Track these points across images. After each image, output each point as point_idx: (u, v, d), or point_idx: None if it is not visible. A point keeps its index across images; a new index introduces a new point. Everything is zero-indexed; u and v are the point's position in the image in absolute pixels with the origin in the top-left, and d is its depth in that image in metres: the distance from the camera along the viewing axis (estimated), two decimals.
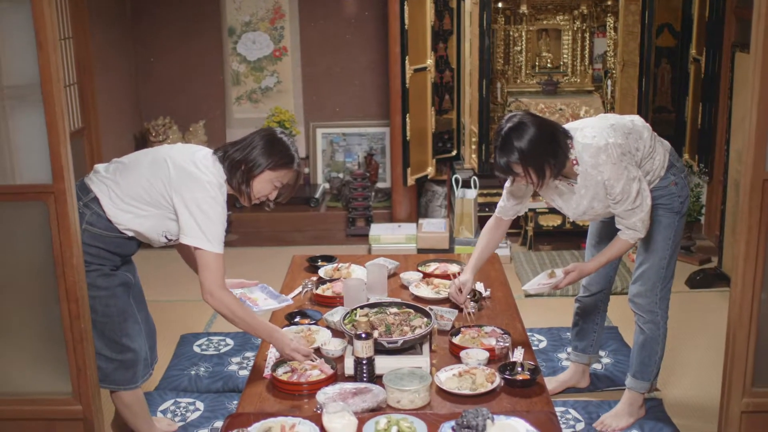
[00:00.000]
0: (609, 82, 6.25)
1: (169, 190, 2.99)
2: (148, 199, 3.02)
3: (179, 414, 3.79)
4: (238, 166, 3.06)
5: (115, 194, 3.03)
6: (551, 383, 3.88)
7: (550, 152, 3.13)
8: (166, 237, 3.12)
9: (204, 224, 2.95)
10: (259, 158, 3.06)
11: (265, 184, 3.10)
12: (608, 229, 3.59)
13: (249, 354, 4.37)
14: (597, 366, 4.13)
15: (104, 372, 3.15)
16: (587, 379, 3.96)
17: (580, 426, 3.59)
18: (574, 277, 3.42)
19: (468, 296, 3.50)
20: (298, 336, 3.10)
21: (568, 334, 4.52)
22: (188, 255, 3.52)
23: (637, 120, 3.42)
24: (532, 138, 3.09)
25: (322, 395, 2.75)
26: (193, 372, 4.20)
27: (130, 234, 3.07)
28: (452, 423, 2.50)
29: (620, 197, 3.21)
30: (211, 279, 2.97)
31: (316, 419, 2.59)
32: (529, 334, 3.43)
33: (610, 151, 3.18)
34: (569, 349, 4.01)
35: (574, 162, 3.22)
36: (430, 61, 6.09)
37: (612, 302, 4.18)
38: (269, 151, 3.07)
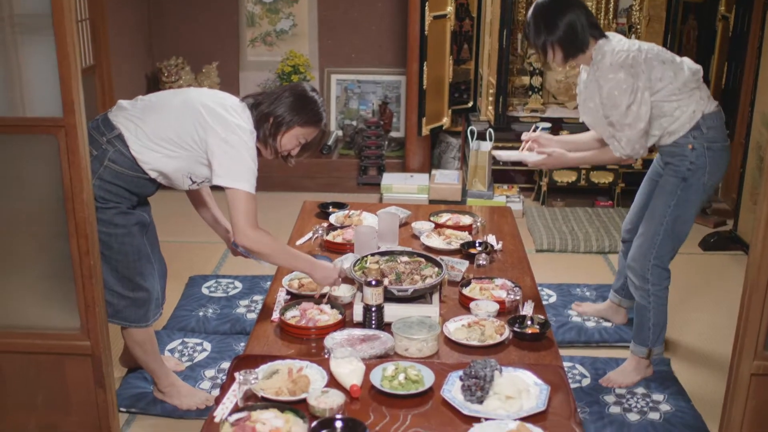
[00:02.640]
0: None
1: (201, 132, 2.96)
2: (178, 140, 2.99)
3: (186, 354, 3.80)
4: (266, 119, 3.04)
5: (143, 133, 3.00)
6: (584, 307, 3.95)
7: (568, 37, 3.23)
8: (191, 179, 3.10)
9: (237, 165, 2.94)
10: (289, 114, 3.04)
11: (291, 140, 3.09)
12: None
13: (257, 297, 4.36)
14: (607, 323, 4.11)
15: (116, 308, 3.15)
16: (623, 317, 3.95)
17: (587, 381, 3.58)
18: (551, 162, 3.49)
19: (480, 249, 3.49)
20: (339, 264, 3.14)
21: (579, 290, 4.51)
22: (199, 203, 3.51)
23: (687, 61, 3.32)
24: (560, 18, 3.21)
25: (330, 340, 2.74)
26: (201, 313, 4.20)
27: (154, 175, 3.04)
28: (460, 373, 2.49)
29: (607, 101, 3.20)
30: (244, 219, 2.96)
31: (324, 364, 2.57)
32: (539, 288, 3.41)
33: (622, 55, 3.17)
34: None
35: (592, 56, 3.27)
36: (450, 9, 5.97)
37: None
38: (299, 107, 3.05)
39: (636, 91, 3.17)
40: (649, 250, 3.42)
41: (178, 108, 3.02)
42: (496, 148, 3.66)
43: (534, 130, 3.60)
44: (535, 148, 3.52)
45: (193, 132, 2.97)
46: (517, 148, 3.64)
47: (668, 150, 3.32)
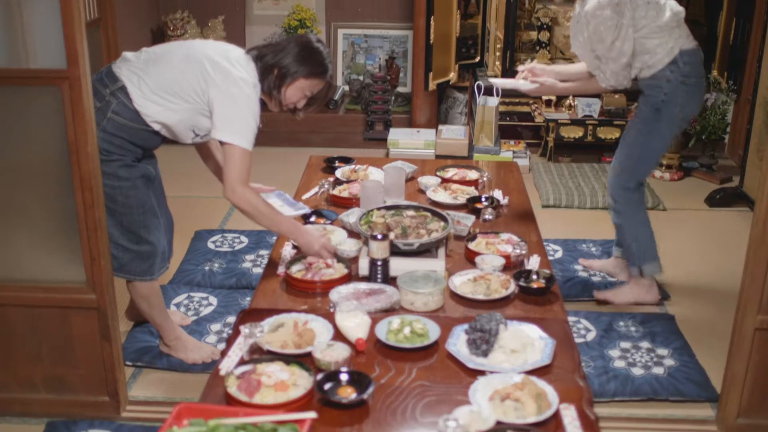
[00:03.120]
0: None
1: (203, 85, 2.93)
2: (180, 92, 2.96)
3: (192, 308, 3.81)
4: (270, 70, 3.00)
5: (146, 84, 2.97)
6: (591, 263, 4.10)
7: None
8: (194, 132, 3.08)
9: (236, 119, 2.91)
10: (294, 65, 3.00)
11: (296, 92, 3.06)
12: None
13: (263, 252, 4.36)
14: (612, 279, 4.12)
15: (121, 261, 3.15)
16: (627, 274, 3.99)
17: (591, 336, 3.59)
18: (543, 91, 3.71)
19: (486, 205, 3.48)
20: (324, 233, 3.09)
21: (584, 245, 4.51)
22: (207, 156, 3.49)
23: (671, 2, 3.48)
24: None
25: (335, 294, 2.74)
26: (206, 268, 4.20)
27: (157, 127, 3.02)
28: (465, 326, 2.49)
29: (593, 36, 3.36)
30: (235, 174, 2.93)
31: (329, 318, 2.58)
32: (545, 244, 3.40)
33: None
34: None
35: None
36: None
37: None
38: (304, 59, 3.01)
39: (620, 28, 3.35)
40: (620, 174, 3.68)
41: (181, 60, 2.99)
42: (494, 77, 3.96)
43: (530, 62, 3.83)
44: (529, 78, 3.71)
45: (196, 84, 2.94)
46: (524, 104, 3.72)
47: (646, 82, 3.51)
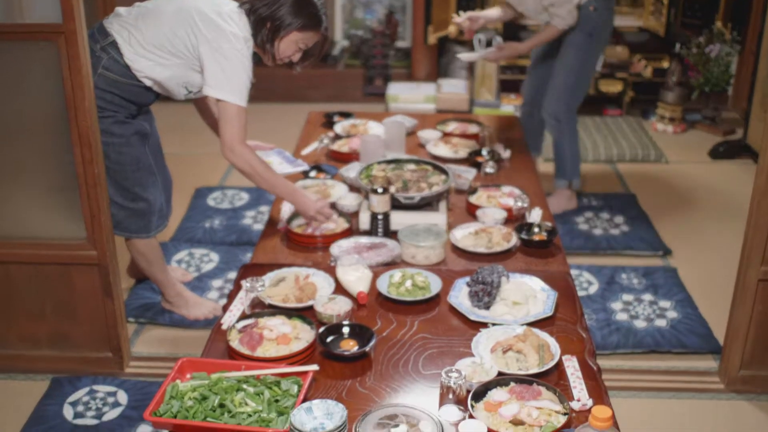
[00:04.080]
0: None
1: (194, 40, 2.88)
2: (171, 48, 2.92)
3: (193, 265, 3.81)
4: (263, 23, 2.94)
5: (136, 40, 2.92)
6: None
7: None
8: (186, 89, 3.03)
9: (228, 76, 2.85)
10: (287, 17, 2.94)
11: (290, 45, 3.00)
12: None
13: (263, 208, 4.35)
14: (614, 231, 4.11)
15: (117, 219, 3.13)
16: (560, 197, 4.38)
17: (594, 289, 3.59)
18: (506, 53, 4.12)
19: (487, 157, 3.46)
20: (319, 196, 3.06)
21: (586, 199, 4.49)
22: (205, 111, 3.45)
23: None
24: None
25: (336, 248, 2.73)
26: (207, 225, 4.19)
27: (148, 83, 2.98)
28: (467, 279, 2.48)
29: None
30: (232, 133, 2.89)
31: (330, 272, 2.57)
32: (546, 198, 3.39)
33: None
34: None
35: None
36: None
37: (632, 171, 4.17)
38: (298, 10, 2.95)
39: None
40: (562, 95, 4.09)
41: (172, 15, 2.94)
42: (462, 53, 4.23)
43: (489, 44, 4.44)
44: (467, 25, 4.10)
45: (186, 39, 2.89)
46: (525, 57, 3.79)
47: (580, 13, 3.94)
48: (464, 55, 4.22)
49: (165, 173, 3.36)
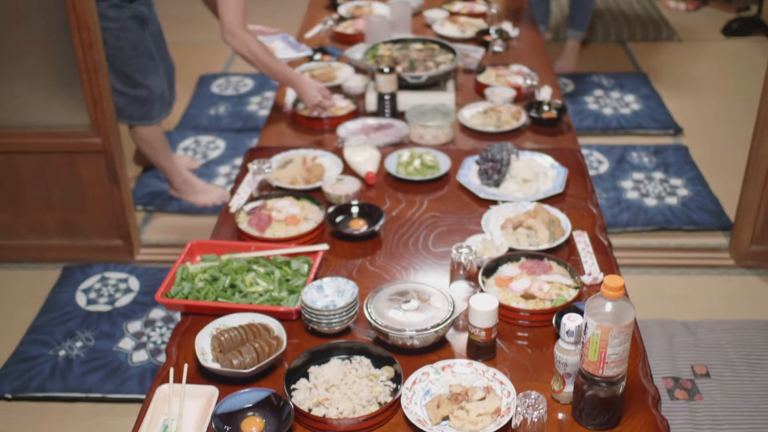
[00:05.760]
0: None
1: None
2: None
3: (200, 152, 3.78)
4: None
5: None
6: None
7: None
8: None
9: None
10: None
11: None
12: None
13: (268, 94, 4.29)
14: (625, 110, 4.05)
15: (119, 106, 3.09)
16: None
17: (604, 168, 3.56)
18: None
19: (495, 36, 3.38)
20: (320, 84, 2.98)
21: (596, 78, 4.42)
22: None
23: None
24: None
25: (343, 130, 2.69)
26: (212, 112, 4.15)
27: None
28: (476, 157, 2.45)
29: None
30: (231, 17, 2.79)
31: (338, 153, 2.54)
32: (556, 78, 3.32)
33: None
34: None
35: None
36: None
37: (644, 50, 4.09)
38: None
39: None
40: None
41: None
42: None
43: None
44: None
45: None
46: None
47: None
48: None
49: (167, 60, 3.30)
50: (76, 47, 2.78)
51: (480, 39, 3.41)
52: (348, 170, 2.47)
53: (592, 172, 3.51)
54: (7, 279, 3.09)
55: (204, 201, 3.38)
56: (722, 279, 3.00)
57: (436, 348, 1.76)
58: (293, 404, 1.56)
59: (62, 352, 2.68)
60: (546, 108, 2.84)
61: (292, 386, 1.64)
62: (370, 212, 2.21)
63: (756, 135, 2.95)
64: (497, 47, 3.32)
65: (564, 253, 2.08)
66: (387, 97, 2.77)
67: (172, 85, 3.34)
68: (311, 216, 2.20)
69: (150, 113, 3.15)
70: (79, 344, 2.71)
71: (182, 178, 3.37)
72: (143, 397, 2.45)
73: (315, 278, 1.95)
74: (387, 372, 1.67)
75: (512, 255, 2.00)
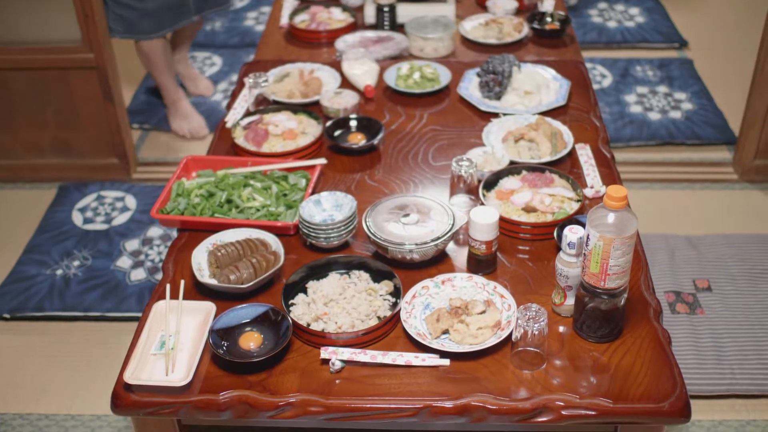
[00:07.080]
0: None
1: None
2: None
3: (196, 68, 3.71)
4: None
5: None
6: None
7: None
8: None
9: None
10: None
11: None
12: None
13: (265, 9, 4.19)
14: (629, 23, 3.96)
15: (131, 21, 3.00)
16: None
17: (608, 82, 3.50)
18: None
19: None
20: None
21: None
22: None
23: None
24: None
25: (341, 43, 2.63)
26: (207, 27, 4.05)
27: None
28: (477, 70, 2.39)
29: None
30: None
31: (336, 66, 2.48)
32: None
33: None
34: None
35: None
36: None
37: None
38: None
39: None
40: None
41: None
42: None
43: None
44: None
45: None
46: None
47: None
48: None
49: None
50: None
51: None
52: (346, 84, 2.42)
53: (595, 86, 3.45)
54: (2, 199, 3.06)
55: (179, 127, 3.28)
56: (726, 193, 2.97)
57: (436, 262, 1.74)
58: (291, 319, 1.55)
59: (60, 272, 2.66)
60: (549, 20, 2.77)
61: (291, 301, 1.62)
62: (368, 126, 2.16)
63: (762, 48, 2.88)
64: None
65: (566, 166, 2.04)
66: (386, 9, 2.69)
67: None
68: (309, 130, 2.16)
69: (161, 24, 3.07)
70: (76, 263, 2.70)
71: (172, 98, 3.27)
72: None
73: (313, 193, 1.92)
74: (386, 286, 1.65)
75: (513, 168, 1.96)
